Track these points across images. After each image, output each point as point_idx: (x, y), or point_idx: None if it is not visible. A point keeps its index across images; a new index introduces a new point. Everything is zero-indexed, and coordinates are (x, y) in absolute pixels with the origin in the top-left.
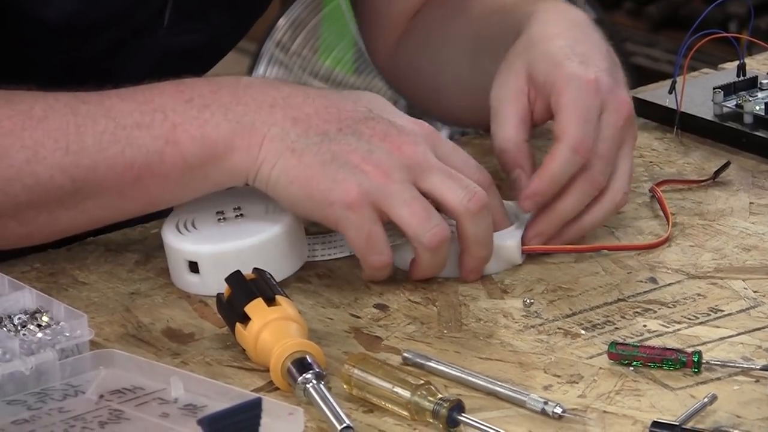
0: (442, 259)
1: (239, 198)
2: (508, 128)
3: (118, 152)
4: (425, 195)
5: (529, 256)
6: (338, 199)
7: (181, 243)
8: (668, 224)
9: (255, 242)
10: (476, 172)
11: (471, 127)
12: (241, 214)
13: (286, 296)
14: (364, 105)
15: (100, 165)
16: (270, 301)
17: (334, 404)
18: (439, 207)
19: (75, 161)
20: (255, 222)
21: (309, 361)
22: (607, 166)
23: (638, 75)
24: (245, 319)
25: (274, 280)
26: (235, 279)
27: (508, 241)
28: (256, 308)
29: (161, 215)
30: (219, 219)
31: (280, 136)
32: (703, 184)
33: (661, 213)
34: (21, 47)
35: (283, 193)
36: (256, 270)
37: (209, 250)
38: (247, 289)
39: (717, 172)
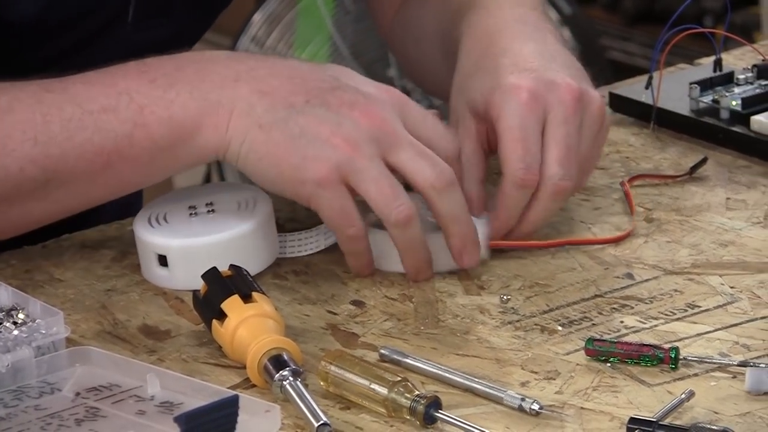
0: (414, 236)
1: (212, 194)
2: (468, 180)
3: (87, 139)
4: (393, 170)
5: (506, 253)
6: (309, 177)
7: (152, 236)
8: (633, 218)
9: (225, 237)
10: (445, 140)
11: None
12: (213, 210)
13: (263, 293)
14: (330, 74)
15: (70, 153)
16: (246, 298)
17: (311, 401)
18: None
19: (44, 151)
20: (226, 217)
21: (285, 358)
22: (577, 170)
23: (614, 69)
24: (222, 316)
25: (251, 277)
26: (211, 275)
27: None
28: (232, 305)
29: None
30: (191, 214)
31: (247, 112)
32: (678, 179)
33: (637, 208)
34: None
35: (253, 169)
36: (232, 266)
37: (178, 244)
38: (223, 285)
39: (693, 168)
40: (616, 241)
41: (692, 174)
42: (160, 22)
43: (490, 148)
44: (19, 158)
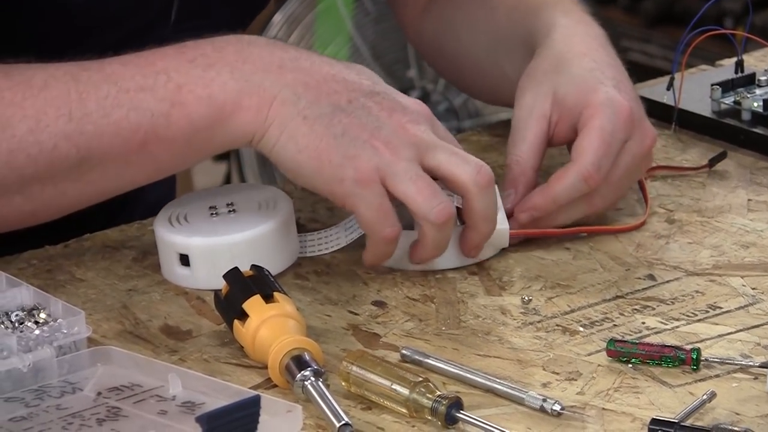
0: (447, 236)
1: (232, 194)
2: (522, 151)
3: (122, 116)
4: (430, 172)
5: (527, 254)
6: (349, 176)
7: (173, 236)
8: (646, 208)
9: (246, 237)
10: (476, 168)
11: (490, 104)
12: (234, 210)
13: (284, 293)
14: (366, 78)
15: (105, 131)
16: (268, 298)
17: (333, 402)
18: (445, 184)
19: (79, 128)
20: (247, 217)
21: (307, 358)
22: (612, 194)
23: (633, 71)
24: (243, 316)
25: (272, 277)
26: (233, 276)
27: (499, 226)
28: (254, 305)
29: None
30: (212, 214)
31: (292, 101)
32: (697, 171)
33: (659, 209)
34: (27, 39)
35: (290, 161)
36: (254, 266)
37: (200, 243)
38: (245, 285)
39: (712, 161)
40: (628, 230)
41: (711, 167)
42: (200, 23)
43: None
44: (53, 134)
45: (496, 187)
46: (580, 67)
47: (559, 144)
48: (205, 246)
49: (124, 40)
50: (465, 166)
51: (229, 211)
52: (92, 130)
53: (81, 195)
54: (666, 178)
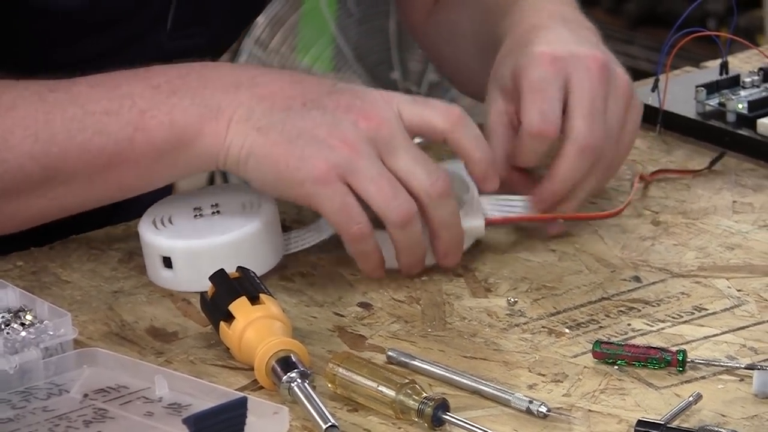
0: (413, 236)
1: (216, 195)
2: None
3: (87, 139)
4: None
5: (513, 255)
6: (308, 176)
7: (156, 238)
8: (628, 198)
9: (229, 239)
10: (444, 109)
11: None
12: (218, 211)
13: (270, 295)
14: (332, 81)
15: (70, 152)
16: (254, 300)
17: (319, 403)
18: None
19: (44, 149)
20: (231, 219)
21: (293, 360)
22: (617, 152)
23: None
24: (229, 318)
25: (258, 279)
26: (218, 277)
27: (474, 222)
28: (240, 307)
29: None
30: (195, 215)
31: (246, 116)
32: (697, 174)
33: (644, 211)
34: (23, 40)
35: (254, 174)
36: (240, 268)
37: (183, 246)
38: (230, 287)
39: (712, 163)
40: (606, 216)
41: (711, 168)
42: (196, 30)
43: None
44: (19, 154)
45: (471, 181)
46: (513, 51)
47: None
48: (188, 248)
49: (120, 47)
50: (420, 175)
51: (213, 212)
52: (57, 152)
53: (46, 210)
54: (651, 180)
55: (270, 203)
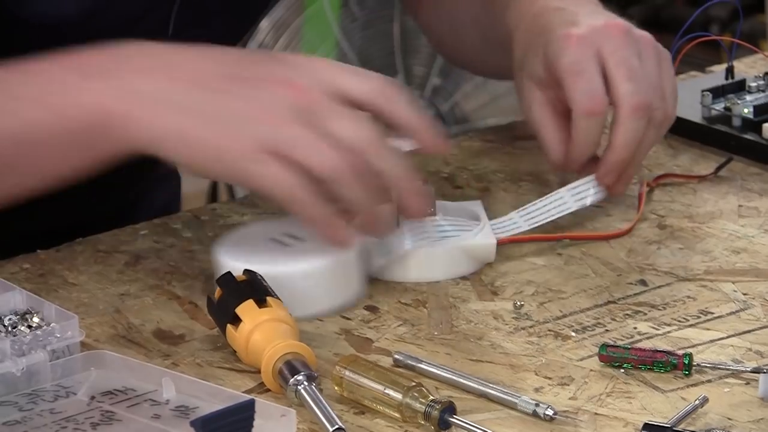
0: (369, 193)
1: (296, 225)
2: (554, 152)
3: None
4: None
5: (519, 259)
6: (237, 155)
7: (235, 262)
8: (637, 214)
9: (305, 268)
10: (376, 78)
11: (494, 78)
12: (296, 240)
13: (277, 298)
14: (256, 54)
15: None
16: (261, 303)
17: (326, 406)
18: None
19: None
20: (310, 249)
21: (300, 362)
22: (661, 97)
23: None
24: (236, 321)
25: (265, 282)
26: (225, 280)
27: (486, 240)
28: (247, 310)
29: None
30: (274, 243)
31: (165, 98)
32: (703, 179)
33: (650, 215)
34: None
35: (182, 157)
36: (247, 271)
37: (261, 271)
38: (238, 290)
39: (719, 168)
40: (612, 237)
41: (717, 173)
42: (198, 33)
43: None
44: None
45: (480, 202)
46: (533, 44)
47: None
48: (265, 275)
49: None
50: (353, 129)
51: (290, 242)
52: None
53: None
54: (657, 184)
55: None
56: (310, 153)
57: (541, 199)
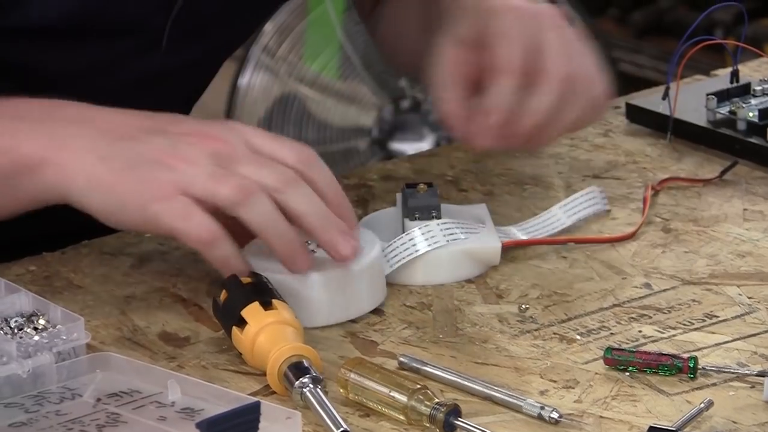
0: (218, 256)
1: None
2: (447, 102)
3: None
4: None
5: (523, 262)
6: (149, 197)
7: (264, 265)
8: (642, 219)
9: (318, 276)
10: (292, 150)
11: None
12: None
13: (283, 300)
14: (178, 117)
15: None
16: (267, 305)
17: (331, 408)
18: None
19: None
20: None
21: (306, 365)
22: (564, 65)
23: (624, 82)
24: (242, 323)
25: (271, 284)
26: (231, 283)
27: (491, 243)
28: (252, 312)
29: None
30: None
31: (89, 147)
32: (707, 183)
33: (655, 218)
34: (11, 54)
35: (97, 205)
36: (252, 274)
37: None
38: (243, 292)
39: (723, 172)
40: (616, 240)
41: (721, 177)
42: (193, 46)
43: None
44: None
45: (475, 207)
46: (466, 11)
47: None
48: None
49: (116, 61)
50: (265, 175)
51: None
52: None
53: None
54: (662, 188)
55: (373, 244)
56: (213, 185)
57: (534, 217)
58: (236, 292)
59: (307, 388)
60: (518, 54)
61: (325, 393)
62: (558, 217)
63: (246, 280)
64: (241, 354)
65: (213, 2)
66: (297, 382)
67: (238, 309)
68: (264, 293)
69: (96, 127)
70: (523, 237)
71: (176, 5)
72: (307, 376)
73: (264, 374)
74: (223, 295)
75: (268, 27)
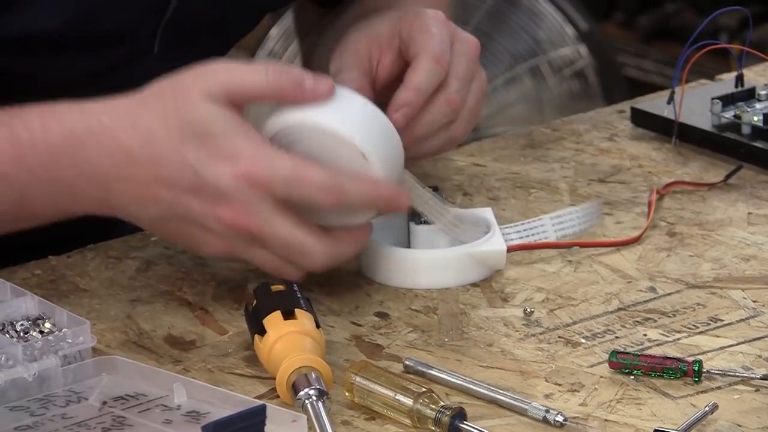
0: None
1: None
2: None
3: None
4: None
5: (528, 266)
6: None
7: None
8: (647, 223)
9: None
10: (321, 174)
11: None
12: None
13: (309, 310)
14: (192, 160)
15: None
16: (288, 315)
17: (326, 424)
18: None
19: None
20: None
21: (314, 377)
22: (463, 90)
23: (629, 86)
24: (263, 331)
25: (300, 293)
26: (261, 290)
27: (496, 247)
28: (273, 321)
29: None
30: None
31: (121, 206)
32: (712, 187)
33: (660, 222)
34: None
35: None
36: (284, 282)
37: None
38: (268, 301)
39: (728, 176)
40: (621, 244)
41: (726, 181)
42: (185, 53)
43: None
44: None
45: (491, 209)
46: (379, 16)
47: (389, 76)
48: None
49: (109, 68)
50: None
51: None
52: None
53: None
54: (667, 192)
55: None
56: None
57: (522, 222)
58: (263, 300)
59: (310, 400)
60: (438, 43)
61: (327, 408)
62: (545, 228)
63: (277, 287)
64: (245, 358)
65: (204, 9)
66: (301, 393)
67: (261, 317)
68: (288, 303)
69: (122, 190)
70: (516, 240)
71: (167, 12)
72: (312, 388)
73: (270, 378)
74: (254, 302)
75: (274, 31)
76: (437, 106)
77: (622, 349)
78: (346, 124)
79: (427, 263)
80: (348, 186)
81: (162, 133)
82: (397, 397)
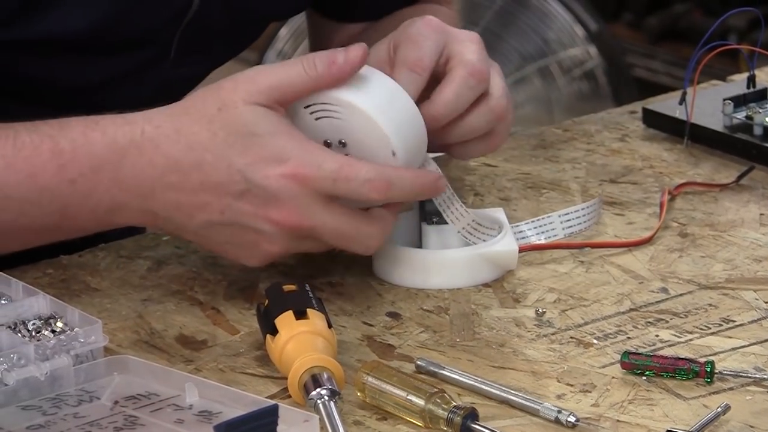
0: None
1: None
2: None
3: (12, 219)
4: None
5: (540, 266)
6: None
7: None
8: (658, 224)
9: None
10: (367, 169)
11: None
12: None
13: (321, 310)
14: (238, 164)
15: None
16: (300, 315)
17: (338, 423)
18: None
19: None
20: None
21: (325, 377)
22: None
23: (638, 87)
24: (275, 331)
25: (312, 293)
26: (273, 290)
27: (508, 247)
28: (284, 321)
29: None
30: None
31: (166, 218)
32: (724, 188)
33: (672, 223)
34: (26, 65)
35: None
36: (296, 282)
37: None
38: (280, 301)
39: (740, 177)
40: (633, 245)
41: (738, 182)
42: (199, 59)
43: None
44: None
45: (502, 209)
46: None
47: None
48: None
49: (124, 75)
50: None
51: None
52: None
53: None
54: (679, 193)
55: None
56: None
57: (532, 219)
58: (275, 300)
59: (321, 400)
60: (416, 55)
61: (339, 408)
62: (554, 226)
63: (289, 287)
64: (257, 357)
65: (220, 16)
66: (313, 393)
67: (273, 317)
68: (300, 303)
69: (166, 201)
70: (531, 238)
71: (187, 17)
72: (324, 388)
73: (281, 377)
74: (266, 302)
75: (283, 32)
76: (480, 113)
77: (634, 350)
78: (383, 113)
79: (439, 263)
80: (394, 178)
81: (206, 139)
82: (409, 397)
